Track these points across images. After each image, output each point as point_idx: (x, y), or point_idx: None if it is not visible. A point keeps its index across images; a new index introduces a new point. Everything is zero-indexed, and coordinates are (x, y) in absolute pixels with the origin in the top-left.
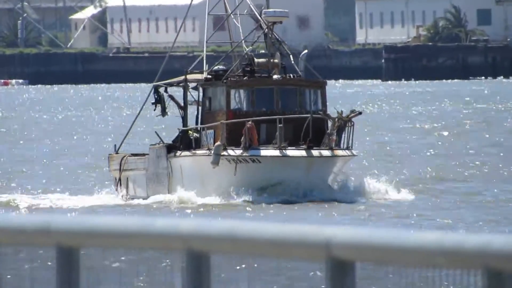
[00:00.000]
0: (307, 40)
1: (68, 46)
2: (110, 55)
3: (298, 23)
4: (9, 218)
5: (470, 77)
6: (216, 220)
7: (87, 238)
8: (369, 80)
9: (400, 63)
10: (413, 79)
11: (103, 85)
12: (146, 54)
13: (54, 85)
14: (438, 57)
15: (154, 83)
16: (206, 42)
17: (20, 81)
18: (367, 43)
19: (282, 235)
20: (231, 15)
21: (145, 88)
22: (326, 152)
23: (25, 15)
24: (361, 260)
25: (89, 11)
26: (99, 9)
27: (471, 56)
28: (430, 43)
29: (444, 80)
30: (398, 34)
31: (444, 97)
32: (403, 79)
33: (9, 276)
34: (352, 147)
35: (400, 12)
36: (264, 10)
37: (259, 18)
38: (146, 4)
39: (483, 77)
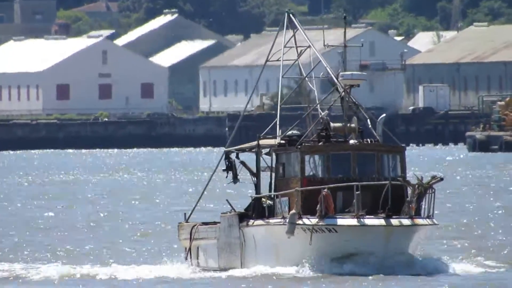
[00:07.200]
0: (150, 108)
1: None
2: None
3: (142, 91)
4: None
5: None
6: None
7: None
8: (216, 148)
9: (244, 131)
10: None
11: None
12: None
13: None
14: (281, 125)
15: (225, 149)
16: (280, 105)
17: None
18: (211, 111)
19: None
20: (306, 78)
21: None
22: (406, 221)
23: None
24: None
25: None
26: None
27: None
28: (273, 112)
29: None
30: (242, 103)
31: None
32: None
33: None
34: (433, 215)
35: (244, 80)
36: (340, 73)
37: (336, 81)
38: None
39: None
